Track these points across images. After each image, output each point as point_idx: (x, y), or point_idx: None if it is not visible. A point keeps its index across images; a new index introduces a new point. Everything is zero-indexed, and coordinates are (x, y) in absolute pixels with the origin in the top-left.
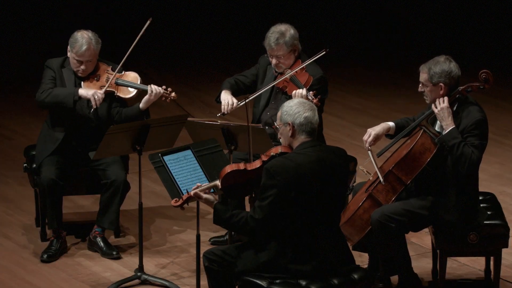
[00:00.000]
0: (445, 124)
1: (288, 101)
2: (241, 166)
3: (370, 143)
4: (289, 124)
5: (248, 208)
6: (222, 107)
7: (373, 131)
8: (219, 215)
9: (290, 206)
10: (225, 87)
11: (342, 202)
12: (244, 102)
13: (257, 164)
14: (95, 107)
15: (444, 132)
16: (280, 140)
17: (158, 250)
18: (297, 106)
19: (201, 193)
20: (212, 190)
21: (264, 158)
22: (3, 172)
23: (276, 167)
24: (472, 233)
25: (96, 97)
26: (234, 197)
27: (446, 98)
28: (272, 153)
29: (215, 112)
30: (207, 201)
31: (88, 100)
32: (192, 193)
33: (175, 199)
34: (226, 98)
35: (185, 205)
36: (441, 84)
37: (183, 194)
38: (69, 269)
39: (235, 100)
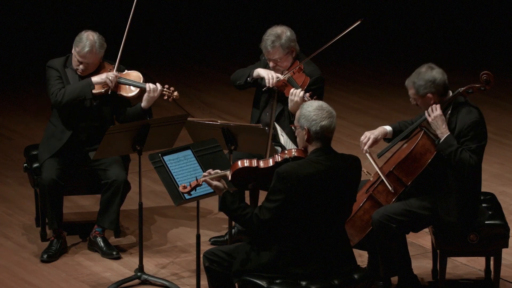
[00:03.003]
0: (440, 132)
1: (308, 103)
2: (254, 163)
3: (369, 145)
4: (305, 129)
5: (247, 199)
6: (267, 80)
7: (371, 134)
8: (226, 204)
9: (296, 211)
10: (248, 69)
11: (349, 209)
12: (287, 74)
13: (269, 163)
14: (112, 86)
15: (440, 140)
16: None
17: (158, 250)
18: (315, 113)
19: (211, 180)
20: None
21: (277, 158)
22: (3, 172)
23: (287, 172)
24: (472, 233)
25: (110, 77)
26: (240, 188)
27: (438, 106)
28: (286, 156)
29: (215, 112)
30: (216, 188)
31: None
32: (201, 180)
33: (183, 184)
34: (269, 73)
35: (189, 200)
36: (429, 94)
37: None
38: (69, 269)
39: (279, 75)
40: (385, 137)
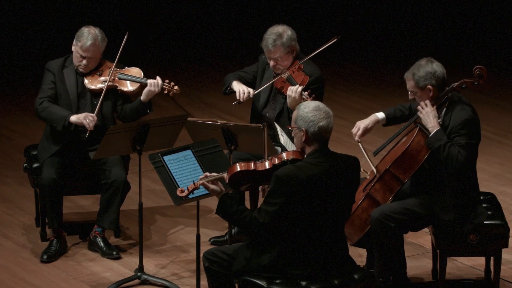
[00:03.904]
0: (430, 126)
1: (305, 104)
2: (251, 166)
3: (359, 136)
4: (303, 130)
5: (247, 200)
6: (238, 95)
7: (362, 124)
8: (224, 208)
9: (296, 213)
10: (232, 79)
11: (348, 210)
12: (255, 92)
13: (267, 165)
14: (90, 129)
15: (430, 135)
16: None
17: (158, 250)
18: (312, 114)
19: (208, 184)
20: None
21: (275, 161)
22: (3, 172)
23: (286, 176)
24: (472, 233)
25: (87, 120)
26: (238, 190)
27: (428, 102)
28: (284, 158)
29: (215, 112)
30: (213, 192)
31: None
32: (198, 183)
33: (180, 188)
34: (241, 88)
35: (189, 200)
36: (429, 86)
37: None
38: (69, 269)
39: (250, 90)
40: (383, 124)
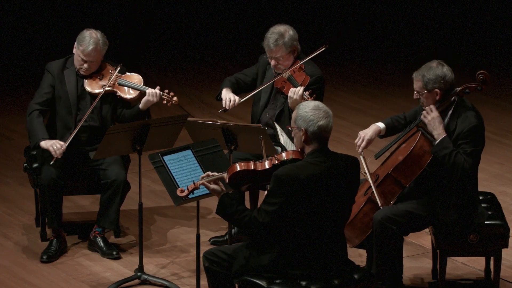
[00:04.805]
0: (436, 133)
1: (304, 104)
2: (251, 165)
3: (363, 147)
4: (302, 130)
5: (247, 200)
6: (224, 103)
7: (365, 135)
8: (224, 208)
9: (296, 213)
10: (225, 85)
11: (348, 211)
12: (244, 99)
13: (266, 165)
14: (56, 156)
15: (436, 142)
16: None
17: (158, 250)
18: (312, 113)
19: (208, 184)
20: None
21: (275, 161)
22: (3, 172)
23: (286, 175)
24: (472, 233)
25: (54, 147)
26: (238, 190)
27: (433, 107)
28: (283, 158)
29: (215, 112)
30: (214, 191)
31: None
32: (199, 183)
33: (180, 188)
34: (228, 95)
35: (189, 200)
36: (437, 90)
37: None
38: (69, 269)
39: (236, 97)
40: (379, 134)
